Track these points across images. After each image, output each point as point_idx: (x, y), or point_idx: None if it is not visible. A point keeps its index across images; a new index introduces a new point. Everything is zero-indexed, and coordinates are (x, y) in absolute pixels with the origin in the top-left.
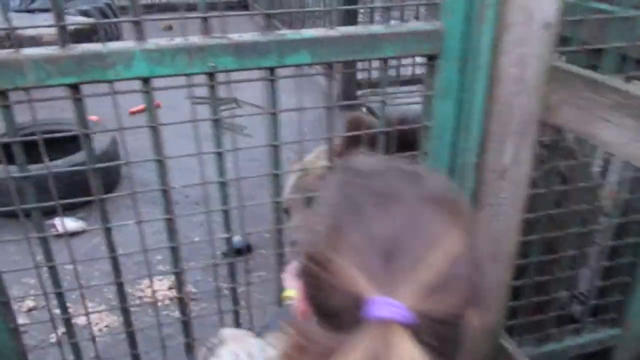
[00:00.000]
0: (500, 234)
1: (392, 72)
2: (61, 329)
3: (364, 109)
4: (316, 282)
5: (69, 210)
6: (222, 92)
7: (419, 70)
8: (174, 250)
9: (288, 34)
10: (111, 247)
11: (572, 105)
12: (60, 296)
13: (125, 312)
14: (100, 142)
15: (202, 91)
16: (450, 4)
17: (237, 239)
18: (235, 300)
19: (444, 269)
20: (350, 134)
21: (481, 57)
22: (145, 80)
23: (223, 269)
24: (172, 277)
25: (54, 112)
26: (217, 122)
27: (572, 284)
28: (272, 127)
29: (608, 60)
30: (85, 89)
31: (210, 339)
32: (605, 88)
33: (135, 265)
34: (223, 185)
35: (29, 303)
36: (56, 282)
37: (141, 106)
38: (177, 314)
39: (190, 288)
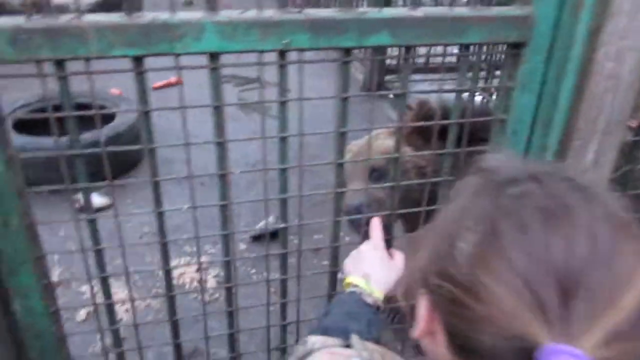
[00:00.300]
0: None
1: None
2: (86, 309)
3: (391, 95)
4: (461, 312)
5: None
6: (245, 71)
7: (449, 59)
8: (226, 238)
9: (368, 12)
10: (162, 231)
11: None
12: (104, 280)
13: (171, 299)
14: (125, 117)
15: (226, 69)
16: None
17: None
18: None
19: (634, 311)
20: (419, 123)
21: (574, 48)
22: (214, 56)
23: (250, 253)
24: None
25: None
26: (283, 104)
27: None
28: (342, 114)
29: None
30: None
31: (296, 345)
32: None
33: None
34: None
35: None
36: (101, 265)
37: (165, 81)
38: (206, 297)
39: (217, 272)
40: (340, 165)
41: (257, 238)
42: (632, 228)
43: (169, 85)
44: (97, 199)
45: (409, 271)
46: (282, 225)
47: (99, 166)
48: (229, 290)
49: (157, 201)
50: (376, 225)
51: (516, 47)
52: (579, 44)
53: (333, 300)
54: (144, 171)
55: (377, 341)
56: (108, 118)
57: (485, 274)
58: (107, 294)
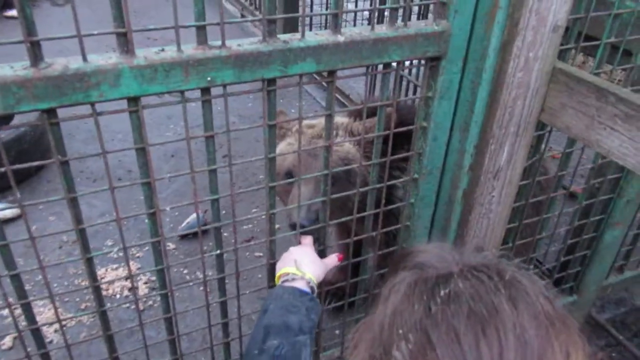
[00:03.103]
0: (488, 230)
1: None
2: (12, 335)
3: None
4: None
5: None
6: None
7: None
8: (155, 246)
9: (292, 41)
10: (85, 247)
11: (574, 109)
12: (26, 306)
13: (103, 314)
14: (27, 115)
15: None
16: (459, 3)
17: (193, 218)
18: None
19: None
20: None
21: (488, 59)
22: (133, 99)
23: (180, 252)
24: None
25: None
26: (210, 139)
27: (540, 262)
28: (271, 140)
29: (599, 54)
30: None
31: None
32: (614, 97)
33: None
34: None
35: None
36: (20, 290)
37: None
38: (140, 305)
39: (147, 277)
40: (272, 188)
41: (185, 235)
42: (560, 323)
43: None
44: (5, 211)
45: None
46: (216, 225)
47: None
48: (165, 297)
49: (77, 219)
50: (307, 237)
51: (434, 60)
52: (491, 56)
53: (268, 296)
54: (52, 172)
55: (318, 326)
56: (7, 117)
57: None
58: (31, 319)
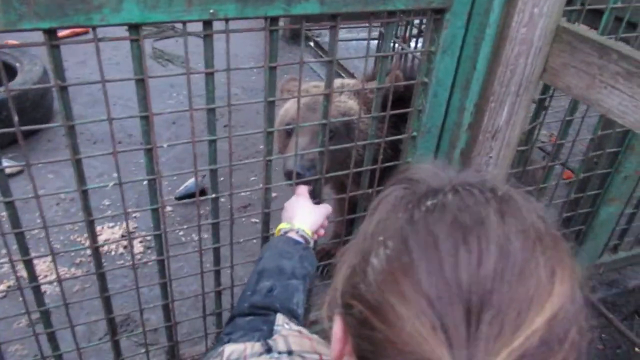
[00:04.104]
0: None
1: None
2: (5, 283)
3: (311, 43)
4: (369, 334)
5: None
6: None
7: None
8: (155, 212)
9: None
10: (81, 178)
11: (576, 69)
12: (28, 263)
13: (97, 251)
14: (30, 73)
15: None
16: None
17: (191, 182)
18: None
19: (544, 331)
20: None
21: (492, 14)
22: (135, 27)
23: (176, 215)
24: (124, 224)
25: None
26: (209, 76)
27: None
28: (270, 84)
29: (605, 20)
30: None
31: (210, 353)
32: (617, 54)
33: (81, 211)
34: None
35: None
36: (23, 246)
37: (70, 30)
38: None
39: (142, 234)
40: (269, 134)
41: (182, 198)
42: (550, 240)
43: (75, 34)
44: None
45: (330, 289)
46: (213, 196)
47: (3, 128)
48: (161, 262)
49: (81, 179)
50: (302, 185)
51: (438, 13)
52: (496, 10)
53: (263, 247)
54: (52, 131)
55: (311, 275)
56: (9, 74)
57: (392, 294)
58: (32, 277)
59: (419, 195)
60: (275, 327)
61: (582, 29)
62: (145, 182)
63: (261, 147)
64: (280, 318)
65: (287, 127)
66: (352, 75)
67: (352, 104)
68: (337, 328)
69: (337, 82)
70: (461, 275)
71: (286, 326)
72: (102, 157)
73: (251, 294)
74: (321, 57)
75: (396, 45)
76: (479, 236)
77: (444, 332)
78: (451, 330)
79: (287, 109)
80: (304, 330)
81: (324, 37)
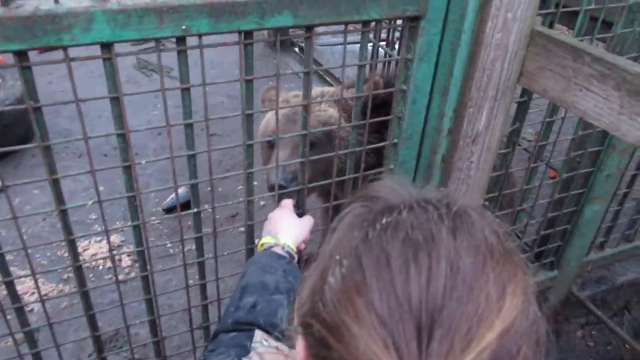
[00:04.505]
0: (467, 197)
1: None
2: None
3: (296, 49)
4: (327, 354)
5: None
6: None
7: None
8: (137, 229)
9: None
10: (60, 198)
11: (552, 72)
12: (9, 284)
13: (79, 270)
14: (12, 89)
15: None
16: None
17: (181, 191)
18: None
19: (495, 347)
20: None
21: (466, 20)
22: (107, 46)
23: (164, 227)
24: (111, 238)
25: None
26: (185, 92)
27: (518, 237)
28: (247, 97)
29: (579, 22)
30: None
31: None
32: (590, 57)
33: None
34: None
35: None
36: (2, 263)
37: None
38: (121, 277)
39: (130, 249)
40: (249, 147)
41: (170, 210)
42: (502, 255)
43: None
44: None
45: (295, 307)
46: (194, 210)
47: None
48: (145, 278)
49: (59, 199)
50: (287, 200)
51: (413, 21)
52: (470, 16)
53: (247, 262)
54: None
55: (296, 289)
56: None
57: (347, 313)
58: (14, 298)
59: (375, 214)
60: (252, 345)
61: (559, 30)
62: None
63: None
64: (258, 335)
65: (268, 139)
66: (338, 81)
67: (333, 112)
68: (300, 347)
69: (317, 90)
70: (412, 293)
71: (264, 342)
72: (89, 169)
73: (235, 309)
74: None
75: (379, 49)
76: (430, 253)
77: (395, 350)
78: (402, 348)
79: (268, 120)
80: (282, 346)
81: None
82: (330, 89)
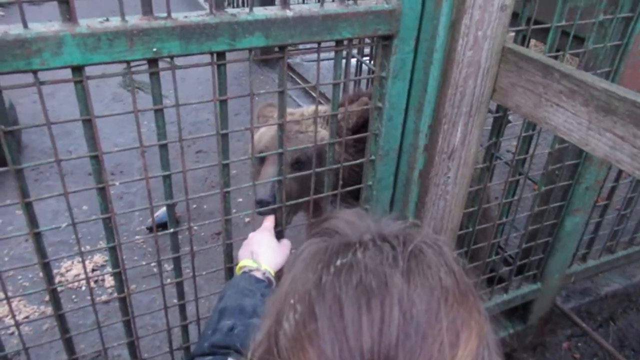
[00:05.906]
0: (445, 212)
1: None
2: None
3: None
4: None
5: None
6: None
7: None
8: (112, 251)
9: (240, 14)
10: (33, 220)
11: (523, 88)
12: None
13: (54, 293)
14: None
15: None
16: None
17: (162, 211)
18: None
19: None
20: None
21: (438, 38)
22: (78, 69)
23: (148, 245)
24: (94, 258)
25: None
26: (159, 112)
27: (501, 249)
28: (222, 115)
29: (550, 38)
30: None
31: None
32: (558, 74)
33: (51, 246)
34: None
35: None
36: None
37: None
38: (104, 297)
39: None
40: (225, 166)
41: (151, 230)
42: (457, 297)
43: (22, 71)
44: None
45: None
46: (171, 231)
47: None
48: (123, 300)
49: (32, 222)
50: (269, 218)
51: (386, 40)
52: (441, 35)
53: (225, 285)
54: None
55: None
56: None
57: None
58: None
59: (330, 253)
60: None
61: (537, 46)
62: (116, 211)
63: (234, 171)
64: (233, 359)
65: (248, 157)
66: (323, 96)
67: (325, 133)
68: None
69: (311, 109)
70: (364, 344)
71: None
72: (74, 188)
73: (212, 332)
74: (293, 79)
75: (363, 65)
76: (383, 301)
77: None
78: None
79: (260, 135)
80: None
81: (296, 59)
82: (322, 108)
